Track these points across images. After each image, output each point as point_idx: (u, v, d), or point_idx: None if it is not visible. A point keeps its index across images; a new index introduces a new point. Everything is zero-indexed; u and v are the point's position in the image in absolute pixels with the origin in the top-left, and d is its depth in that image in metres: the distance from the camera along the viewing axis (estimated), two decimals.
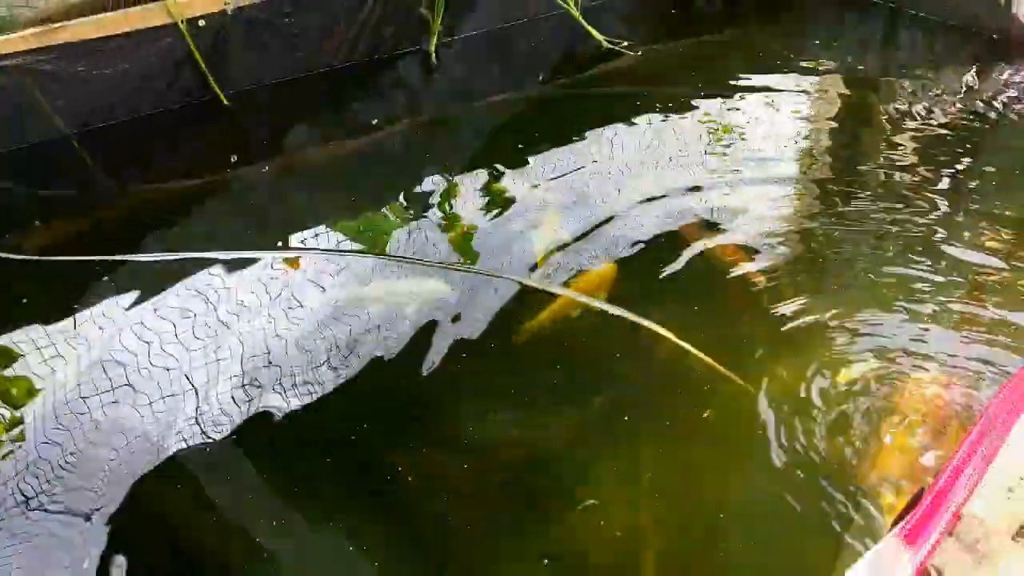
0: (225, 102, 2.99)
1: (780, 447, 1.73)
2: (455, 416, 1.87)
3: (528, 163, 2.73)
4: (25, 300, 2.15)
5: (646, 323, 2.02)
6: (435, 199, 2.57)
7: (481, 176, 2.66)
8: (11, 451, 1.74)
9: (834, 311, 2.08)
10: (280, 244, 2.36)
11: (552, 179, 2.64)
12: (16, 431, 1.78)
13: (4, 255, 2.26)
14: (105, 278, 2.20)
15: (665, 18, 3.94)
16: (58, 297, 2.15)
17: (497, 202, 2.55)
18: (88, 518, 1.62)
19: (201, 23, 2.86)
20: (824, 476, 1.65)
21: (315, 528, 1.64)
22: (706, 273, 2.27)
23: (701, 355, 1.93)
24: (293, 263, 2.25)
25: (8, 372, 1.93)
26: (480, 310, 2.12)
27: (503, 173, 2.68)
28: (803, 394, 1.85)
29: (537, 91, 3.32)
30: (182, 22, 2.80)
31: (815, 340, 2.00)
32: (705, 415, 1.82)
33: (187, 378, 1.90)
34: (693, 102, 3.10)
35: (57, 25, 2.66)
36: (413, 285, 2.19)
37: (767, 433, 1.75)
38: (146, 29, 2.78)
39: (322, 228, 2.42)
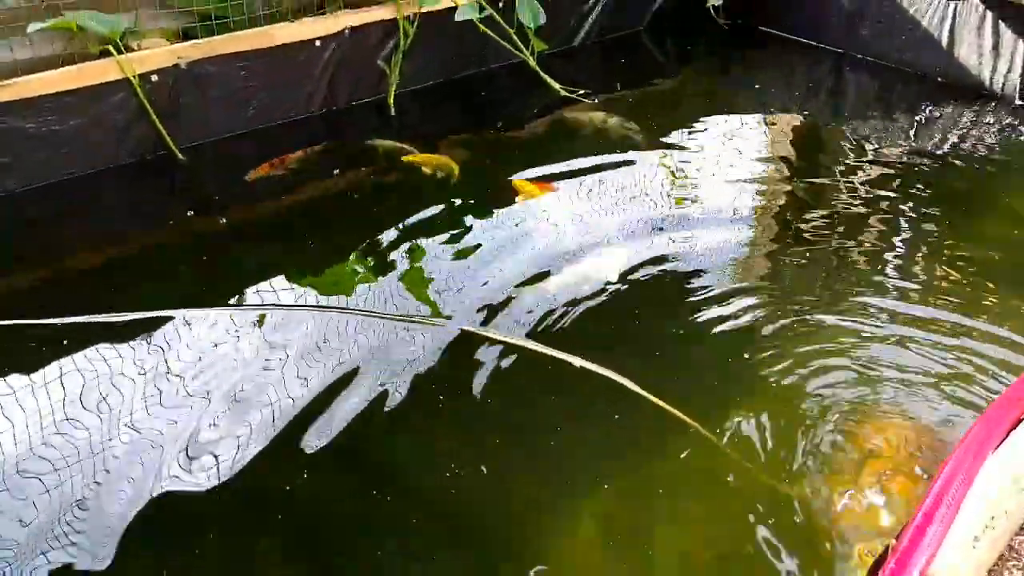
0: (179, 157, 2.95)
1: (741, 496, 1.71)
2: (408, 464, 1.83)
3: (486, 208, 2.74)
4: None
5: (601, 371, 2.00)
6: (396, 247, 2.55)
7: (438, 221, 2.66)
8: None
9: (789, 347, 2.09)
10: (238, 299, 2.31)
11: (510, 223, 2.66)
12: None
13: None
14: (64, 340, 2.13)
15: (620, 66, 4.01)
16: None
17: (458, 249, 2.55)
18: None
19: (154, 78, 2.83)
20: (788, 529, 1.63)
21: None
22: (663, 316, 2.28)
23: (659, 402, 1.91)
24: None
25: None
26: (438, 358, 2.10)
27: (462, 218, 2.68)
28: (764, 437, 1.84)
29: (494, 137, 3.33)
30: (134, 77, 2.76)
31: (772, 378, 2.00)
32: (666, 461, 1.81)
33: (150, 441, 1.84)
34: (649, 145, 3.15)
35: (3, 83, 2.61)
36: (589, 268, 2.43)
37: (727, 481, 1.73)
38: (97, 85, 2.74)
39: (284, 281, 2.38)
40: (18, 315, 2.20)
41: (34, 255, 2.54)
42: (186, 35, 3.04)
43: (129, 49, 2.82)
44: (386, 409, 1.95)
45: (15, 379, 2.00)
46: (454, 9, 3.34)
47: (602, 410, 1.96)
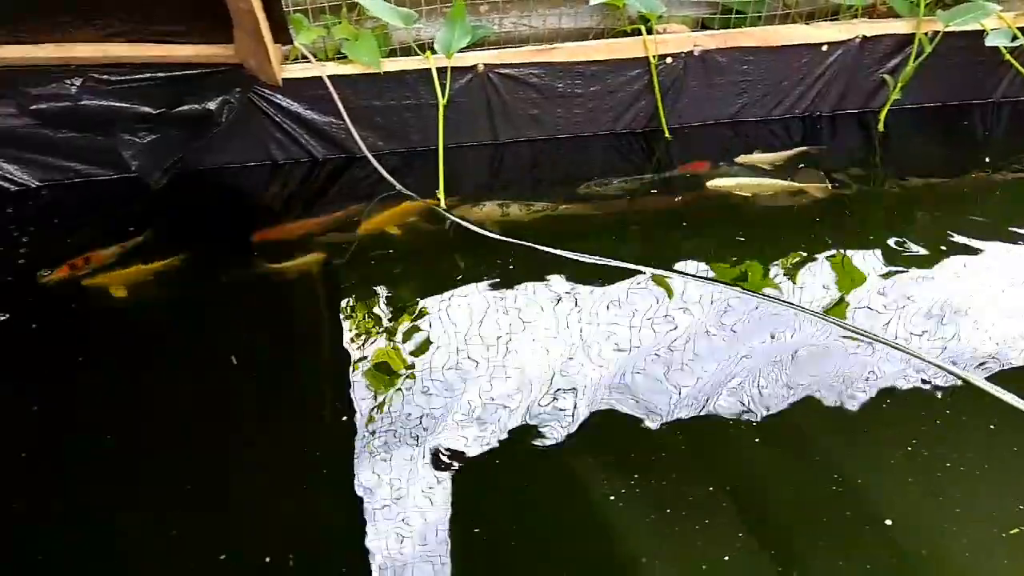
0: (667, 135, 3.21)
1: None
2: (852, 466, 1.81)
3: (943, 253, 2.55)
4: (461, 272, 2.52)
5: None
6: (823, 262, 2.52)
7: (880, 255, 2.56)
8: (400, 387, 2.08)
9: None
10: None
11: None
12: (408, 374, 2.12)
13: (475, 228, 2.66)
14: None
15: None
16: (497, 272, 2.49)
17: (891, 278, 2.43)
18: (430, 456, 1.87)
19: (668, 60, 3.10)
20: None
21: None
22: None
23: None
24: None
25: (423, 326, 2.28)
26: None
27: (905, 252, 2.56)
28: None
29: (975, 180, 3.04)
30: (654, 57, 3.05)
31: None
32: None
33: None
34: None
35: (552, 46, 3.06)
36: None
37: None
38: (621, 59, 3.08)
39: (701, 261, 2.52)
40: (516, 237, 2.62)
41: (537, 191, 2.98)
42: (703, 25, 3.26)
43: (654, 32, 3.11)
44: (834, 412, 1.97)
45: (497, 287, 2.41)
46: (978, 32, 3.09)
47: None
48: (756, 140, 3.25)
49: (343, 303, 2.44)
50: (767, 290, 2.40)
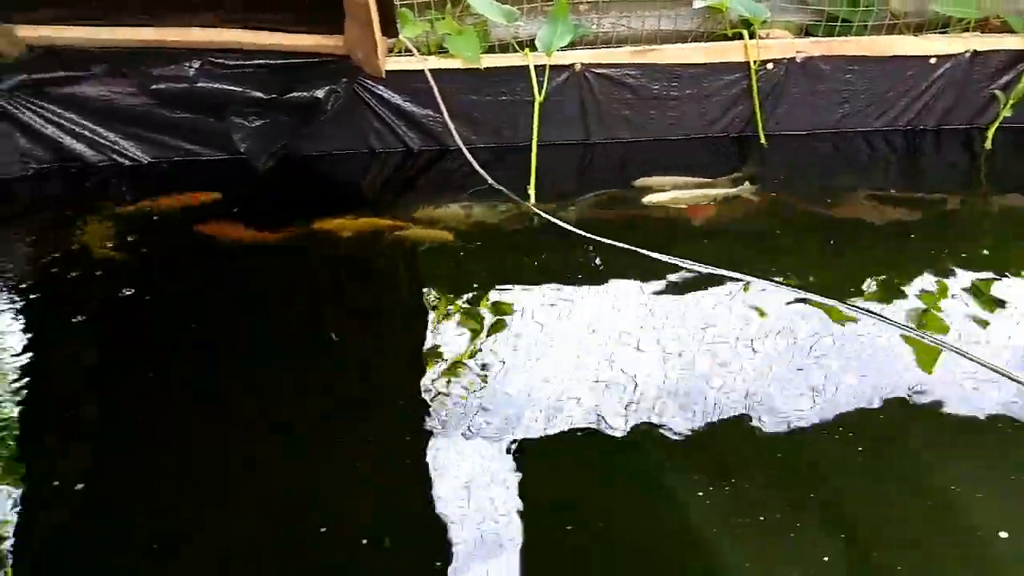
0: (762, 142, 3.17)
1: None
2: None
3: None
4: (536, 264, 2.52)
5: None
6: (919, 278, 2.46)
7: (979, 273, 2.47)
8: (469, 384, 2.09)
9: None
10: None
11: None
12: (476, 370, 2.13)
13: (557, 222, 2.67)
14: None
15: None
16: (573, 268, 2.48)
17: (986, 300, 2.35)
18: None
19: (769, 66, 3.05)
20: None
21: None
22: None
23: None
24: None
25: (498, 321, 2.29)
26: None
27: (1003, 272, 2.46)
28: None
29: None
30: (755, 62, 3.02)
31: None
32: None
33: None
34: None
35: (651, 47, 3.06)
36: None
37: None
38: (720, 63, 3.05)
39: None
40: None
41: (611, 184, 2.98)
42: (807, 31, 3.21)
43: (756, 36, 3.07)
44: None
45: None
46: None
47: None
48: (856, 150, 3.19)
49: (427, 290, 2.51)
50: (857, 304, 2.36)
